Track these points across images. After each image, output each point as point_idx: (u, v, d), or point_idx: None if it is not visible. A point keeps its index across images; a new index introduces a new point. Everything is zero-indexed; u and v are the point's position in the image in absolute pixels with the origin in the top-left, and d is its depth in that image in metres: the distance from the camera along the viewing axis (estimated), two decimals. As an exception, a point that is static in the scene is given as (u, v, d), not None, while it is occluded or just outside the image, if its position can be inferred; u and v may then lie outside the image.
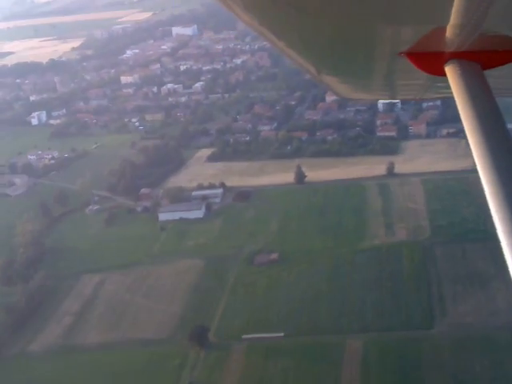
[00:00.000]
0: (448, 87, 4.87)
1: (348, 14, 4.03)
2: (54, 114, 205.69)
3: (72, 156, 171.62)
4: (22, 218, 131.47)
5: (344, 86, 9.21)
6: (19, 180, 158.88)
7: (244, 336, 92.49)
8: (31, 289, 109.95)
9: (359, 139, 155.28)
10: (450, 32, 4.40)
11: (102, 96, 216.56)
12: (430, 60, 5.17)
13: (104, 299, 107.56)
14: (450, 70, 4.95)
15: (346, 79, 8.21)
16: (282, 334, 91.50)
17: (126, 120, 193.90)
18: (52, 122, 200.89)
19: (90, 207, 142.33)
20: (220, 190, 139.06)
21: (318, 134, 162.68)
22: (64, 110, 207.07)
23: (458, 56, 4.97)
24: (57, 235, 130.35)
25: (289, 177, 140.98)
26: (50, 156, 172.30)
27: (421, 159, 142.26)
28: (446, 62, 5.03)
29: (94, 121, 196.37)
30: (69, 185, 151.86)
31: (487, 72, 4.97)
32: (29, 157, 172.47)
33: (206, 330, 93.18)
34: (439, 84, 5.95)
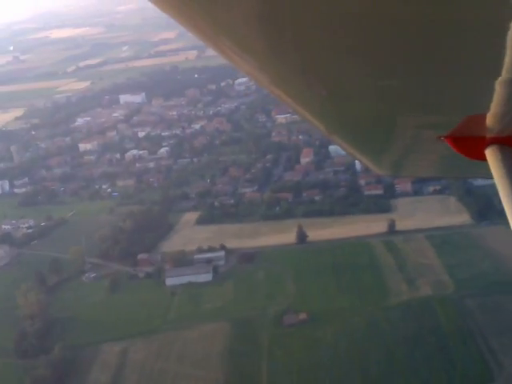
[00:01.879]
0: (488, 170, 4.89)
1: (386, 101, 4.12)
2: (17, 182, 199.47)
3: (50, 224, 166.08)
4: (17, 289, 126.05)
5: (379, 163, 9.28)
6: (1, 251, 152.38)
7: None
8: (53, 361, 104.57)
9: (349, 198, 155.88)
10: (490, 119, 4.38)
11: (63, 164, 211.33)
12: (470, 144, 5.19)
13: (134, 367, 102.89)
14: (491, 155, 4.95)
15: (381, 157, 8.29)
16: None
17: (96, 187, 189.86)
18: (17, 190, 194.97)
19: (87, 275, 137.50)
20: (222, 253, 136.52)
21: (303, 194, 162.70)
22: (27, 179, 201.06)
23: (499, 141, 4.97)
24: (61, 305, 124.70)
25: (287, 237, 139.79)
26: (27, 225, 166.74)
27: (417, 216, 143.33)
28: (486, 146, 5.01)
29: (62, 188, 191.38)
30: (54, 253, 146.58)
31: None
32: (3, 226, 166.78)
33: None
34: (479, 166, 5.89)
